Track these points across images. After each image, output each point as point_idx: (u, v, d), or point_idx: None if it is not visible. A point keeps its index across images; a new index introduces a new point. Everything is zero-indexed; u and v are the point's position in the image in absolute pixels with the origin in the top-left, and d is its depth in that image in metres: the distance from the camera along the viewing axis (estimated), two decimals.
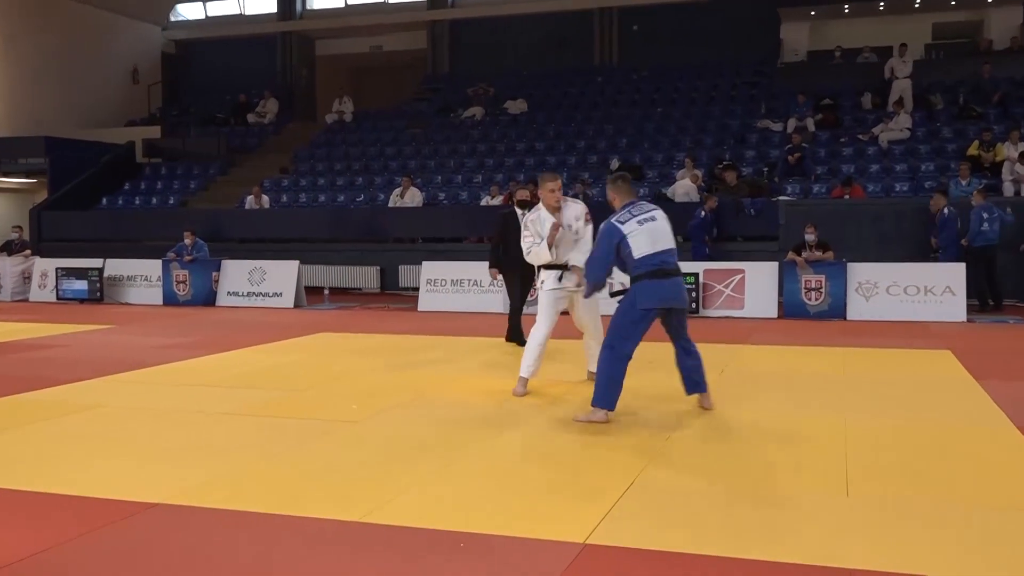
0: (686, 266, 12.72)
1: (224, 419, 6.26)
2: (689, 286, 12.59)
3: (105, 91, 25.66)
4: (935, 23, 22.67)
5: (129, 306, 15.39)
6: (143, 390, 7.45)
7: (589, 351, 7.41)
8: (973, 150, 16.22)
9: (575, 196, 16.56)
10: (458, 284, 13.98)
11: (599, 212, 6.73)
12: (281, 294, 14.87)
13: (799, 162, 16.82)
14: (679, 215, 15.93)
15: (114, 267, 16.11)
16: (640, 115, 21.13)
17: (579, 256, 7.01)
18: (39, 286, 16.56)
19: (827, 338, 10.25)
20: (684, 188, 16.41)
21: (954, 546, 3.74)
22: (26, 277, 16.84)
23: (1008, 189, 15.12)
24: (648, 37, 24.17)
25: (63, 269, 16.15)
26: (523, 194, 10.09)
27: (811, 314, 12.35)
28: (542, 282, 7.12)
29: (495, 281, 10.09)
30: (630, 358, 5.94)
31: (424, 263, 14.63)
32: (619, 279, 6.28)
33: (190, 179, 22.37)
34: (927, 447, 5.33)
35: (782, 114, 19.38)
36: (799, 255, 12.55)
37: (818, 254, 12.50)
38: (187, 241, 15.46)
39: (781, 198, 15.64)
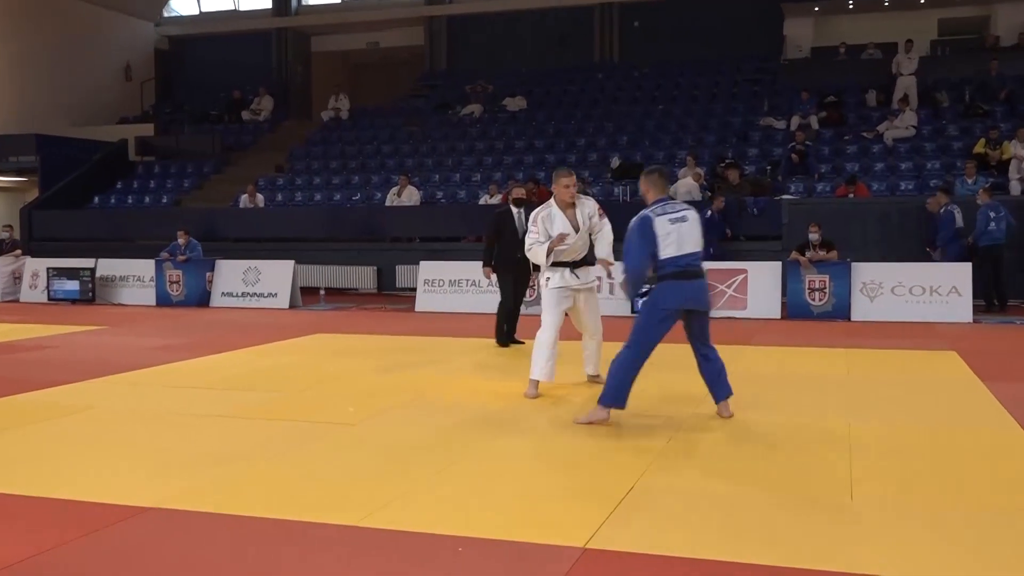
0: None
1: (218, 422, 6.26)
2: None
3: (97, 88, 25.65)
4: (941, 19, 22.68)
5: (122, 307, 15.38)
6: (136, 392, 7.44)
7: (587, 352, 7.41)
8: (979, 148, 16.23)
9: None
10: (456, 284, 13.98)
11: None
12: (276, 294, 14.86)
13: (802, 160, 16.83)
14: None
15: (106, 267, 16.10)
16: (641, 113, 21.13)
17: (604, 247, 7.04)
18: (30, 286, 16.55)
19: (831, 339, 10.25)
20: (686, 187, 16.39)
21: (960, 550, 3.74)
22: (17, 277, 16.83)
23: (1015, 188, 15.13)
24: (649, 33, 24.18)
25: (54, 269, 16.14)
26: (519, 192, 10.09)
27: (815, 315, 12.35)
28: (547, 279, 7.07)
29: (490, 281, 10.09)
30: (647, 358, 5.92)
31: (421, 263, 14.63)
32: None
33: (184, 177, 22.36)
34: (932, 450, 5.34)
35: (785, 111, 19.39)
36: (802, 255, 12.56)
37: (822, 254, 12.51)
38: (181, 240, 15.45)
39: (784, 197, 15.64)
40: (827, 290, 12.39)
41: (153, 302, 15.40)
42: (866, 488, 4.56)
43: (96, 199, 21.63)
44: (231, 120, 24.86)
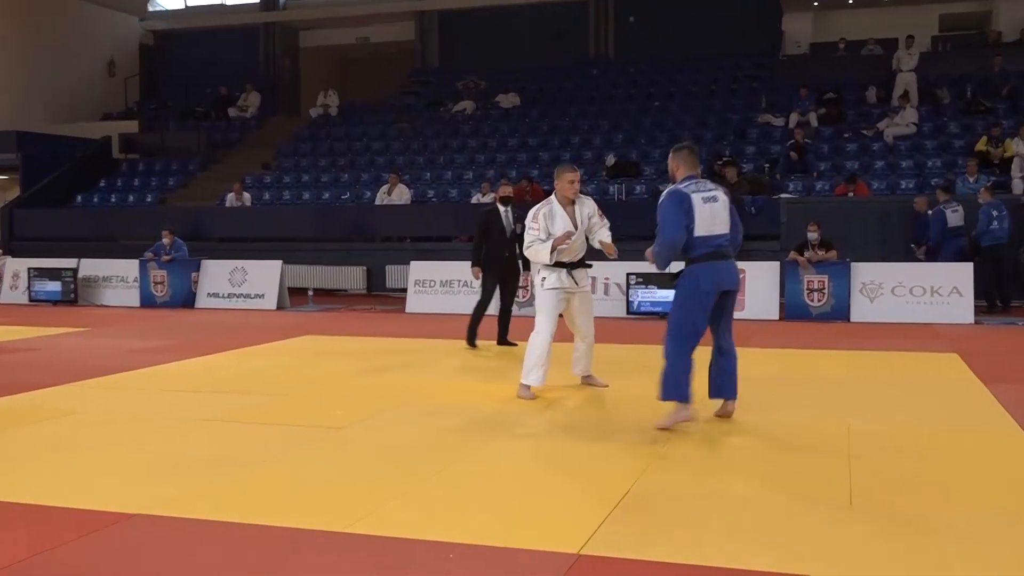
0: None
1: (204, 426, 6.25)
2: None
3: (80, 84, 25.59)
4: (942, 14, 22.75)
5: (105, 308, 15.35)
6: (120, 395, 7.43)
7: (577, 353, 7.37)
8: (981, 146, 16.27)
9: None
10: (448, 285, 13.98)
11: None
12: (263, 295, 14.84)
13: (801, 158, 16.87)
14: None
15: (89, 267, 16.05)
16: (637, 109, 21.15)
17: (605, 232, 7.03)
18: (10, 287, 16.49)
19: (830, 340, 10.28)
20: None
21: (961, 554, 3.76)
22: None
23: (1017, 186, 15.18)
24: (645, 29, 24.22)
25: (36, 269, 16.09)
26: (505, 190, 10.10)
27: (813, 315, 12.38)
28: (543, 279, 7.03)
29: (480, 281, 10.08)
30: (697, 343, 5.89)
31: (412, 263, 14.62)
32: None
33: (169, 175, 22.31)
34: (933, 454, 5.36)
35: (784, 108, 19.43)
36: (801, 254, 12.59)
37: (821, 253, 12.54)
38: (165, 240, 15.42)
39: (783, 195, 15.68)
40: (826, 290, 12.43)
41: (137, 303, 15.36)
42: (865, 492, 4.57)
43: (79, 198, 21.56)
44: (217, 117, 24.81)
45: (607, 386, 7.40)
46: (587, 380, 7.46)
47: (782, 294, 12.66)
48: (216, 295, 15.14)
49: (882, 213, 14.50)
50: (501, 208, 9.84)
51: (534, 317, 7.14)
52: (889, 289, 12.30)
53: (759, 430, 5.93)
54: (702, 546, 3.85)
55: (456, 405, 6.83)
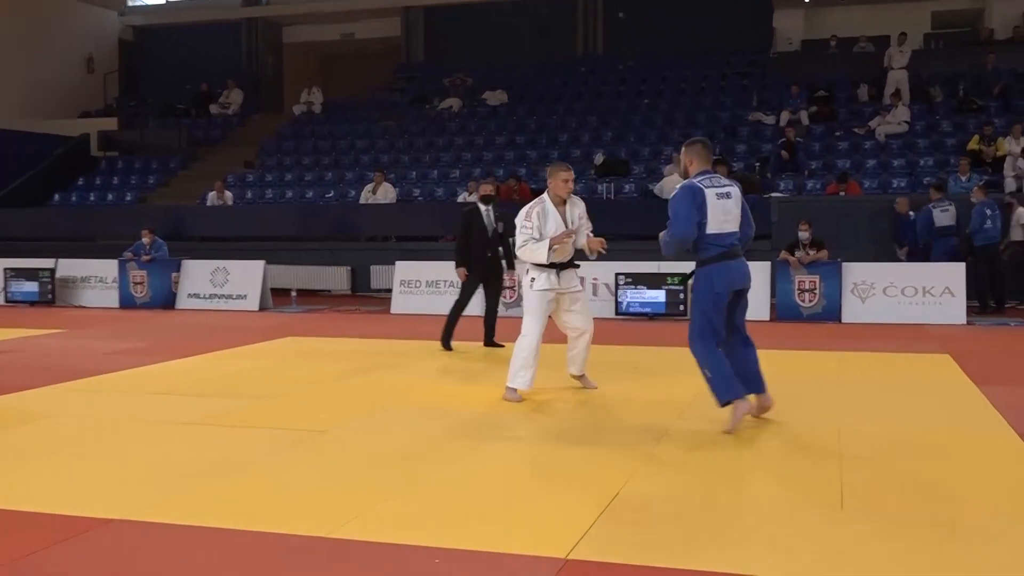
0: (675, 265, 12.88)
1: (185, 429, 6.23)
2: (677, 287, 12.67)
3: (58, 80, 25.44)
4: (934, 11, 22.87)
5: (83, 309, 15.28)
6: (99, 399, 7.40)
7: (573, 351, 7.31)
8: (974, 144, 16.37)
9: None
10: (433, 285, 13.97)
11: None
12: (245, 296, 14.80)
13: (792, 156, 16.92)
14: (668, 213, 16.12)
15: (67, 267, 15.97)
16: (626, 107, 21.19)
17: (584, 234, 7.05)
18: None
19: (821, 341, 10.32)
20: (672, 183, 16.41)
21: (952, 558, 3.78)
22: None
23: (1010, 185, 15.27)
24: (634, 25, 24.24)
25: (12, 270, 15.99)
26: (486, 189, 10.10)
27: (804, 316, 12.43)
28: (532, 280, 7.00)
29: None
30: (722, 341, 5.92)
31: (397, 263, 14.61)
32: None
33: (148, 174, 22.23)
34: (925, 456, 5.38)
35: (775, 106, 19.50)
36: (792, 254, 12.63)
37: (812, 253, 12.58)
38: (145, 240, 15.35)
39: (773, 194, 15.73)
40: (817, 291, 12.47)
41: (116, 304, 15.29)
42: (857, 495, 4.59)
43: (56, 196, 21.46)
44: (198, 114, 24.73)
45: (595, 388, 7.41)
46: (578, 379, 7.43)
47: (773, 294, 12.69)
48: (197, 296, 15.09)
49: (874, 212, 14.57)
50: (482, 207, 9.85)
51: (521, 318, 7.13)
52: (881, 289, 12.35)
53: (749, 433, 5.94)
54: (690, 550, 3.86)
55: (442, 408, 6.83)
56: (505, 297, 12.99)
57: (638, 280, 12.83)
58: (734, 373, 5.93)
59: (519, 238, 7.02)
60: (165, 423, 6.41)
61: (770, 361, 8.95)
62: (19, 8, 24.28)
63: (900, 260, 13.56)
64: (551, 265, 6.95)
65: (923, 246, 13.54)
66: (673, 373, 8.16)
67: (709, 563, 3.71)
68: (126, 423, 6.45)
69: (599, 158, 18.27)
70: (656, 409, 6.67)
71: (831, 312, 12.38)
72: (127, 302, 15.25)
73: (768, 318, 12.46)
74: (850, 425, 6.12)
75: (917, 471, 5.06)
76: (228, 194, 19.01)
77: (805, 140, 17.96)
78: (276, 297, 15.19)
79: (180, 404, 7.10)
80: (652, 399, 7.03)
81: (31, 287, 15.77)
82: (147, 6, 28.47)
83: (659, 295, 12.76)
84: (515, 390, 6.96)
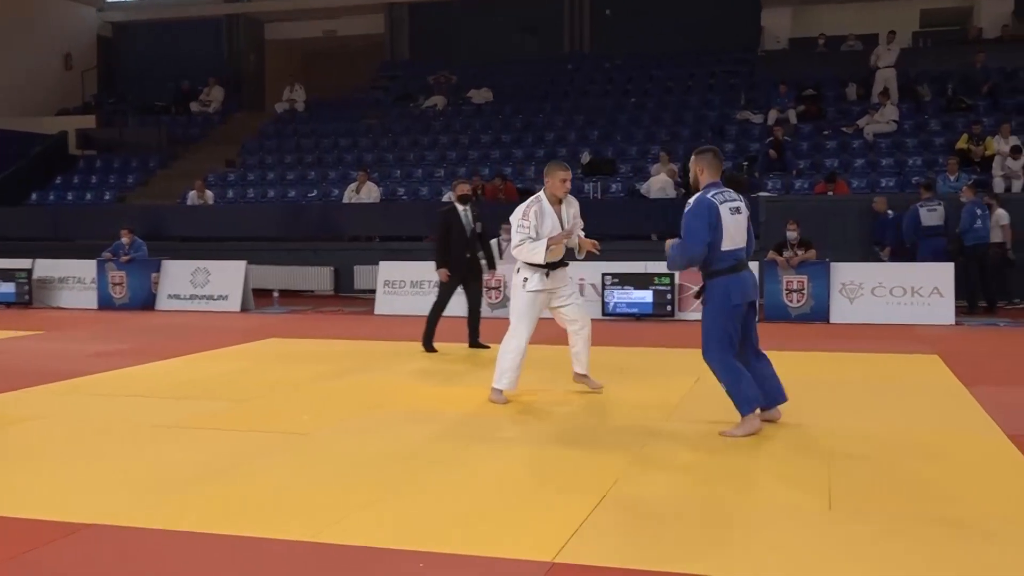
0: (661, 266, 12.89)
1: (165, 432, 6.21)
2: (664, 288, 12.70)
3: (35, 77, 25.30)
4: (923, 9, 23.02)
5: (61, 310, 15.20)
6: (77, 401, 7.36)
7: (575, 348, 7.22)
8: (962, 144, 16.47)
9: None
10: (418, 286, 13.95)
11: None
12: (227, 297, 14.76)
13: (780, 156, 16.99)
14: (655, 212, 16.21)
15: (44, 268, 15.88)
16: (613, 106, 21.22)
17: (577, 233, 7.04)
18: None
19: (809, 342, 10.36)
20: (660, 183, 16.51)
21: (941, 562, 3.80)
22: None
23: (999, 185, 15.37)
24: (622, 22, 24.28)
25: None
26: (463, 189, 10.09)
27: (792, 316, 12.48)
28: (525, 280, 6.96)
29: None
30: (736, 350, 5.94)
31: (381, 263, 14.59)
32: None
33: (128, 173, 22.14)
34: (914, 457, 5.41)
35: (763, 105, 19.57)
36: (780, 254, 12.68)
37: (800, 253, 12.63)
38: (124, 240, 15.29)
39: (761, 194, 15.78)
40: (805, 291, 12.52)
41: (95, 305, 15.22)
42: (845, 498, 4.61)
43: (33, 195, 21.35)
44: (178, 112, 24.65)
45: (601, 387, 7.32)
46: (581, 379, 7.34)
47: (761, 295, 12.72)
48: (177, 297, 15.03)
49: (862, 212, 14.63)
50: (460, 207, 9.85)
51: (507, 318, 7.11)
52: (869, 290, 12.41)
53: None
54: (677, 553, 3.87)
55: (426, 410, 6.83)
56: (490, 298, 13.03)
57: (625, 280, 12.86)
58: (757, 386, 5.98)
59: (515, 237, 6.95)
60: (146, 426, 6.37)
61: None
62: None
63: (882, 260, 13.60)
64: (543, 265, 6.93)
65: (909, 245, 13.61)
66: (661, 374, 8.18)
67: (696, 566, 3.71)
68: (106, 426, 6.42)
69: (586, 157, 18.30)
70: (644, 411, 6.69)
71: (819, 312, 12.43)
72: (106, 303, 15.18)
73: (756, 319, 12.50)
74: (839, 426, 6.15)
75: (906, 472, 5.08)
76: (209, 193, 18.95)
77: (793, 139, 18.04)
78: (258, 298, 15.14)
79: (161, 407, 7.06)
80: (640, 401, 7.04)
81: (8, 288, 15.66)
82: (126, 2, 28.32)
83: (646, 295, 12.78)
84: (500, 391, 6.96)
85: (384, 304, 14.13)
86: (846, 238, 14.13)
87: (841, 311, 12.40)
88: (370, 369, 8.83)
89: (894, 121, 18.03)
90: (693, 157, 6.16)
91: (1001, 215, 13.34)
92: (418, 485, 4.90)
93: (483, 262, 9.97)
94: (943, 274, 12.32)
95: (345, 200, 18.08)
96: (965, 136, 16.59)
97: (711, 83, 21.79)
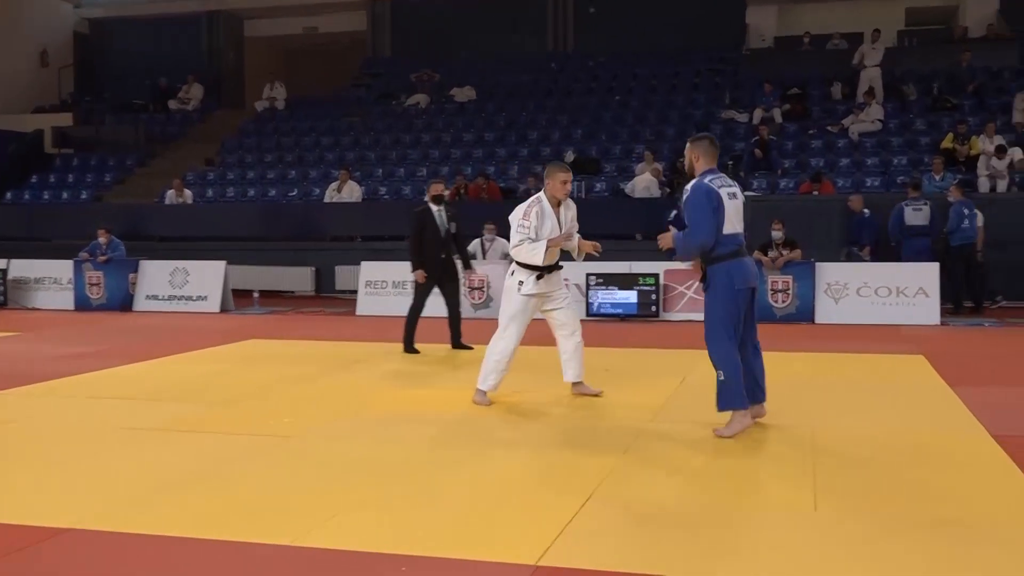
0: (646, 266, 12.95)
1: (143, 435, 6.18)
2: (649, 288, 12.73)
3: (10, 74, 25.10)
4: (908, 8, 23.14)
5: (37, 311, 15.11)
6: (55, 404, 7.32)
7: (565, 355, 7.16)
8: (947, 143, 16.57)
9: (526, 191, 16.65)
10: (400, 286, 13.93)
11: None
12: (206, 297, 14.71)
13: (766, 155, 17.05)
14: (640, 212, 16.25)
15: (20, 268, 15.78)
16: (597, 104, 21.24)
17: (574, 237, 7.07)
18: None
19: (794, 342, 10.39)
20: (644, 183, 16.55)
21: (926, 562, 3.83)
22: None
23: (984, 185, 15.48)
24: (606, 20, 24.31)
25: None
26: (437, 188, 10.09)
27: (777, 317, 12.53)
28: (520, 283, 6.92)
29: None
30: (739, 343, 5.93)
31: (363, 263, 14.57)
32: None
33: (105, 171, 22.02)
34: (899, 458, 5.44)
35: (748, 104, 19.64)
36: (765, 254, 12.73)
37: (785, 253, 12.69)
38: (101, 239, 15.22)
39: (747, 193, 15.78)
40: (790, 291, 12.58)
41: (71, 306, 15.14)
42: (831, 499, 4.64)
43: (8, 195, 21.20)
44: (157, 110, 24.53)
45: (599, 394, 7.25)
46: (578, 388, 7.24)
47: None
48: (155, 297, 14.97)
49: (847, 212, 14.70)
50: (434, 207, 9.85)
51: (491, 319, 7.10)
52: (854, 290, 12.48)
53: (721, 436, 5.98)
54: (663, 557, 3.88)
55: (409, 412, 6.82)
56: (474, 298, 13.03)
57: (609, 281, 12.88)
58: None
59: (514, 237, 6.91)
60: (124, 429, 6.35)
61: None
62: None
63: (863, 260, 13.61)
64: (538, 268, 6.91)
65: (894, 244, 13.68)
66: (646, 375, 8.21)
67: (681, 568, 3.74)
68: (83, 429, 6.39)
69: (570, 156, 18.31)
70: (629, 411, 6.70)
71: (804, 313, 12.49)
72: (83, 304, 15.10)
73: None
74: (824, 427, 6.18)
75: (891, 473, 5.12)
76: (187, 192, 18.88)
77: (778, 138, 18.10)
78: (238, 299, 15.10)
79: (140, 409, 7.03)
80: (625, 402, 7.06)
81: None
82: None
83: (631, 296, 12.81)
84: (484, 392, 6.96)
85: (366, 305, 14.11)
86: (831, 238, 14.19)
87: (826, 311, 12.47)
88: (352, 371, 8.82)
89: (879, 120, 18.13)
90: (688, 144, 6.18)
91: (978, 216, 13.45)
92: (401, 488, 4.90)
93: (459, 263, 9.97)
94: (928, 274, 12.40)
95: (326, 199, 18.04)
96: (950, 135, 16.69)
97: (696, 82, 21.84)
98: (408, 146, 20.56)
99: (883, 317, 12.22)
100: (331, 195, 17.94)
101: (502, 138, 20.26)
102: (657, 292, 12.73)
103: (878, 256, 13.70)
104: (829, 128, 18.34)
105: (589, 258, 7.27)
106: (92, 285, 15.14)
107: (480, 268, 12.95)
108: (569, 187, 7.01)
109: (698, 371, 8.44)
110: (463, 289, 12.59)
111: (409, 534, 4.16)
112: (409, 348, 9.79)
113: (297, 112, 23.35)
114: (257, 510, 4.55)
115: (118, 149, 22.70)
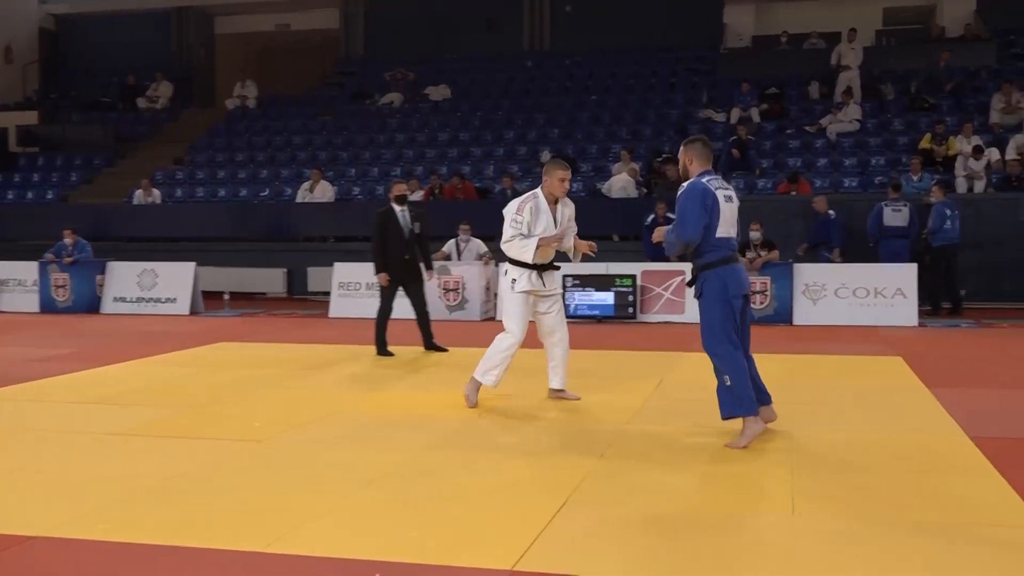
0: (622, 267, 12.98)
1: (111, 440, 6.13)
2: (626, 289, 12.77)
3: None
4: (886, 7, 23.35)
5: (1, 314, 14.97)
6: (19, 408, 7.26)
7: (553, 362, 7.18)
8: (925, 143, 16.72)
9: (502, 191, 16.66)
10: (373, 288, 13.80)
11: None
12: (175, 299, 14.63)
13: (743, 155, 17.14)
14: (617, 212, 16.30)
15: None
16: (573, 104, 21.30)
17: (571, 237, 7.08)
18: None
19: (772, 344, 10.43)
20: (621, 183, 16.59)
21: (904, 566, 3.86)
22: None
23: (961, 185, 15.62)
24: (582, 19, 24.35)
25: None
26: (400, 188, 10.09)
27: (755, 318, 12.52)
28: (513, 281, 6.96)
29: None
30: (738, 349, 5.89)
31: (336, 264, 14.53)
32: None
33: (71, 171, 21.85)
34: (877, 461, 5.48)
35: (725, 103, 19.73)
36: (743, 255, 12.79)
37: (763, 254, 12.76)
38: (67, 240, 15.11)
39: None
40: (768, 292, 12.66)
41: (37, 308, 15.03)
42: (809, 503, 4.66)
43: None
44: (125, 108, 24.37)
45: (578, 399, 7.24)
46: (558, 394, 7.24)
47: None
48: (123, 299, 14.87)
49: (812, 213, 14.78)
50: (397, 208, 9.84)
51: (466, 321, 7.11)
52: (832, 291, 12.57)
53: (698, 439, 6.00)
54: (640, 562, 3.89)
55: (382, 416, 6.81)
56: (448, 300, 13.01)
57: (586, 282, 12.91)
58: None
59: (507, 232, 6.92)
60: (92, 434, 6.29)
61: None
62: None
63: (832, 263, 13.66)
64: (532, 266, 6.92)
65: (872, 244, 13.79)
66: (622, 378, 8.23)
67: (656, 573, 3.74)
68: (48, 434, 6.33)
69: (546, 156, 18.30)
70: (607, 414, 6.72)
71: (782, 314, 12.57)
72: (48, 306, 14.99)
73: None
74: (801, 430, 6.21)
75: (870, 477, 5.15)
76: (156, 192, 18.77)
77: (756, 138, 18.20)
78: (208, 301, 15.02)
79: (107, 414, 6.98)
80: (603, 404, 7.07)
81: None
82: None
83: (607, 297, 12.84)
84: (478, 385, 6.93)
85: (339, 307, 14.07)
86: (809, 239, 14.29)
87: (804, 313, 12.55)
88: (324, 374, 8.79)
89: (857, 120, 18.27)
90: (682, 148, 6.17)
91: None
92: (375, 493, 4.89)
93: (421, 263, 9.97)
94: (906, 275, 12.52)
95: (298, 200, 17.98)
96: (928, 136, 16.84)
97: (673, 81, 21.94)
98: (382, 146, 20.53)
99: (861, 318, 12.31)
100: (303, 195, 17.88)
101: (477, 137, 20.26)
102: (634, 293, 12.77)
103: (847, 257, 13.79)
104: (807, 128, 18.46)
105: (586, 259, 7.28)
106: (58, 287, 15.02)
107: (455, 269, 12.99)
108: (567, 185, 7.02)
109: (675, 373, 8.48)
110: (437, 291, 12.61)
111: (383, 539, 4.15)
112: (382, 351, 9.77)
113: (269, 111, 23.28)
114: (228, 516, 4.52)
115: (85, 148, 22.54)
